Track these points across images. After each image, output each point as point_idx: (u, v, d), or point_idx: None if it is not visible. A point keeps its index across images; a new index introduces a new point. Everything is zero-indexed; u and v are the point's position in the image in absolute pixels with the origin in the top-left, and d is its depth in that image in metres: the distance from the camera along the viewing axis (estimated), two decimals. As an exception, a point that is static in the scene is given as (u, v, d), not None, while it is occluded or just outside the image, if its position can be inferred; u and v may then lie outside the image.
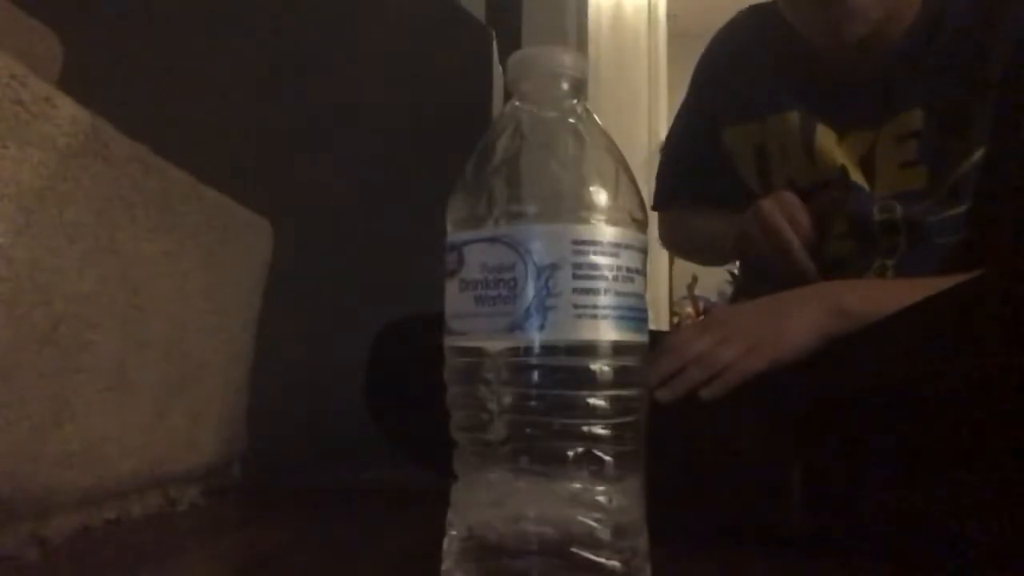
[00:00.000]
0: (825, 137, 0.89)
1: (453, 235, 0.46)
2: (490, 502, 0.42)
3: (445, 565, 0.44)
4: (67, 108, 0.64)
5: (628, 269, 0.42)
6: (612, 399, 0.42)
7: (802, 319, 0.73)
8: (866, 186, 0.86)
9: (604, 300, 0.41)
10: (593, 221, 0.41)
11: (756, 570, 0.65)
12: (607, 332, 0.41)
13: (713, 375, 0.71)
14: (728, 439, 0.70)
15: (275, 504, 0.98)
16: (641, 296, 0.44)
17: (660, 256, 2.74)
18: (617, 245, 0.42)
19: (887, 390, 0.65)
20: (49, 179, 0.62)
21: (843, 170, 0.87)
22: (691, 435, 0.70)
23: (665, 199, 1.12)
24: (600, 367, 0.41)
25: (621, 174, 0.44)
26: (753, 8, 1.03)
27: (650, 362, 0.72)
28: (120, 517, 0.77)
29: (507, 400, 0.41)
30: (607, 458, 0.41)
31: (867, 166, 0.87)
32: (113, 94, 0.88)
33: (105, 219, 0.71)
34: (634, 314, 0.43)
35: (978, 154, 0.82)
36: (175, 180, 0.84)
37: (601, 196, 0.42)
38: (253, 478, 1.07)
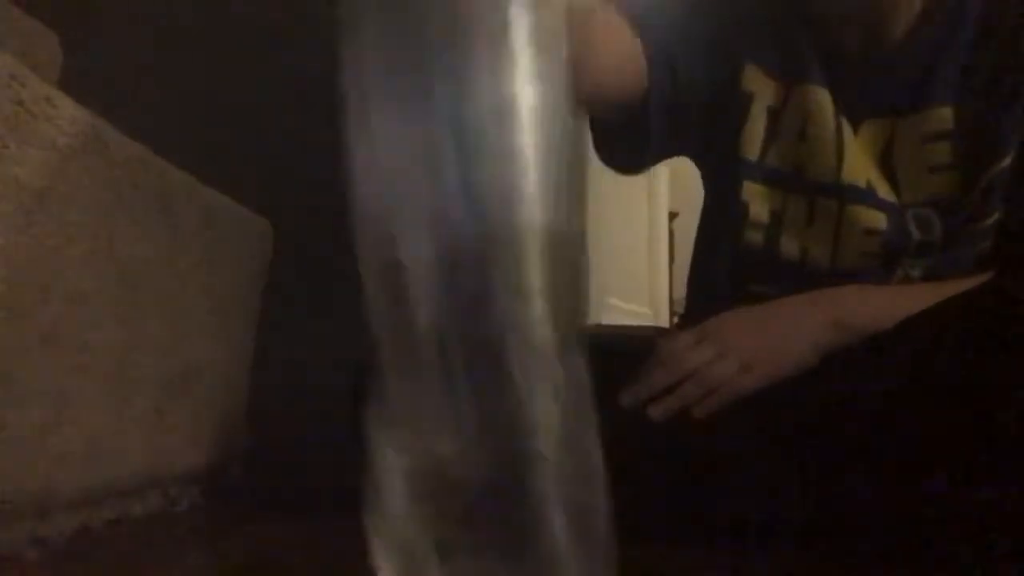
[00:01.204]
0: (844, 131, 0.80)
1: None
2: None
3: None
4: (67, 108, 0.64)
5: None
6: None
7: (801, 335, 0.71)
8: (892, 196, 0.79)
9: None
10: None
11: (756, 570, 0.65)
12: None
13: (707, 392, 0.69)
14: (720, 446, 0.70)
15: (275, 504, 0.98)
16: None
17: (660, 255, 2.74)
18: None
19: (887, 398, 0.65)
20: (49, 179, 0.62)
21: (869, 185, 0.79)
22: (681, 442, 0.69)
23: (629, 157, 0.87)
24: None
25: None
26: None
27: (643, 372, 0.72)
28: (120, 517, 0.77)
29: None
30: None
31: (886, 168, 0.79)
32: (113, 94, 0.88)
33: (105, 219, 0.71)
34: None
35: (1007, 160, 0.77)
36: (175, 180, 0.84)
37: None
38: (253, 478, 1.07)
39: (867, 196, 0.79)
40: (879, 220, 0.78)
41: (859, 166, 0.79)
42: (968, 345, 0.62)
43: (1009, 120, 0.77)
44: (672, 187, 2.75)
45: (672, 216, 2.93)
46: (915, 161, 0.78)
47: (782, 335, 0.71)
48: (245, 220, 1.03)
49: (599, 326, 1.50)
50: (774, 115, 0.82)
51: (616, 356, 0.81)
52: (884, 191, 0.79)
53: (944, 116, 0.77)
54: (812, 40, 0.81)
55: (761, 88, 0.82)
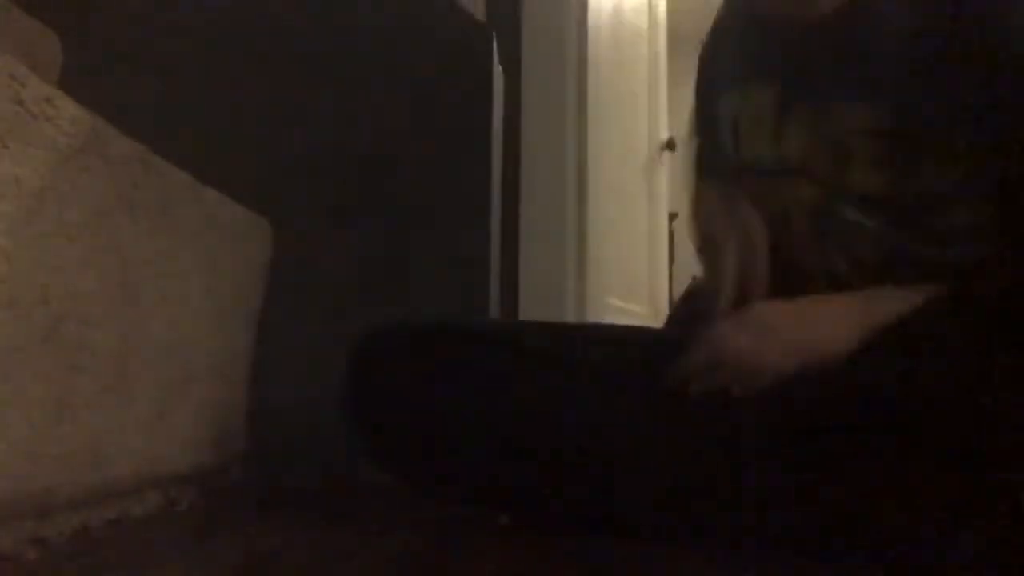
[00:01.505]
0: (798, 120, 0.82)
1: None
2: None
3: None
4: (67, 108, 0.64)
5: None
6: None
7: (840, 329, 0.74)
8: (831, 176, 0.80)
9: None
10: None
11: (756, 570, 0.65)
12: None
13: (748, 374, 0.72)
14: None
15: (275, 504, 0.98)
16: None
17: (660, 255, 2.74)
18: None
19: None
20: (49, 179, 0.62)
21: (805, 164, 0.81)
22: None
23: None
24: None
25: None
26: None
27: (686, 353, 0.74)
28: (120, 517, 0.77)
29: None
30: None
31: (825, 150, 0.80)
32: (113, 94, 0.88)
33: (105, 219, 0.71)
34: None
35: (954, 171, 0.75)
36: (175, 180, 0.84)
37: None
38: (253, 478, 1.07)
39: (801, 173, 0.81)
40: (814, 196, 0.81)
41: (795, 146, 0.82)
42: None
43: (954, 134, 0.74)
44: (672, 187, 2.75)
45: (672, 216, 2.93)
46: (841, 151, 0.79)
47: (824, 328, 0.74)
48: (245, 220, 1.03)
49: (600, 325, 1.50)
50: (735, 123, 0.89)
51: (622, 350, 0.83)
52: (823, 171, 0.80)
53: (863, 114, 0.77)
54: (765, 40, 0.86)
55: (727, 108, 0.90)
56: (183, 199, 0.86)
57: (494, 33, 1.39)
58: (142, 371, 0.78)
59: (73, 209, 0.66)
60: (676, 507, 0.73)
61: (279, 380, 1.11)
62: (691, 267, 1.09)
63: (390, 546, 0.72)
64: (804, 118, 0.81)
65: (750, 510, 0.70)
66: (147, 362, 0.79)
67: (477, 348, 0.84)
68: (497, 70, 1.38)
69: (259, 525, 0.84)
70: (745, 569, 0.65)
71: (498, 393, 0.80)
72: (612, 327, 1.30)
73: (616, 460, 0.76)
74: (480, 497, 0.85)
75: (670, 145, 2.64)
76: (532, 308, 1.64)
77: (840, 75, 0.80)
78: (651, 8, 2.70)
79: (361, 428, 0.86)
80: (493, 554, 0.71)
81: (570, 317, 1.72)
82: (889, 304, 0.76)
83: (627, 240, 2.34)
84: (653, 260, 2.66)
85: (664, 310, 2.73)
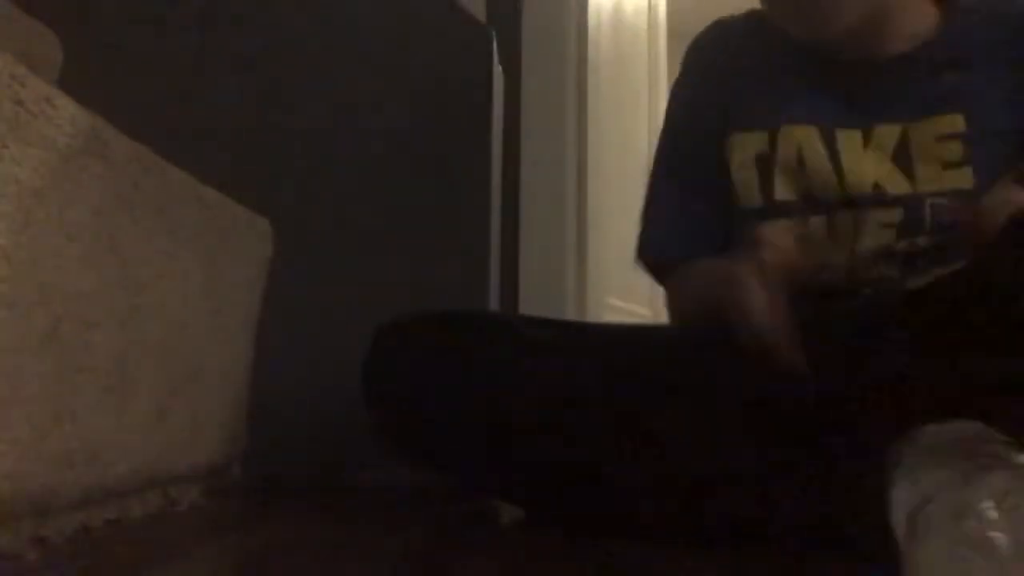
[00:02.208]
0: (850, 144, 0.86)
1: None
2: None
3: None
4: (67, 108, 0.64)
5: None
6: None
7: None
8: (908, 188, 0.84)
9: None
10: None
11: (756, 570, 0.65)
12: None
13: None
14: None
15: (275, 504, 0.98)
16: None
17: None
18: None
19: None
20: (49, 179, 0.62)
21: (876, 187, 0.85)
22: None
23: (656, 249, 0.98)
24: None
25: None
26: (734, 17, 0.99)
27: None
28: (120, 517, 0.77)
29: None
30: None
31: (903, 163, 0.84)
32: (113, 94, 0.88)
33: (105, 219, 0.71)
34: None
35: None
36: (175, 180, 0.84)
37: None
38: (253, 478, 1.07)
39: (876, 198, 0.84)
40: (893, 215, 0.84)
41: (864, 171, 0.85)
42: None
43: None
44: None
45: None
46: (928, 158, 0.84)
47: None
48: (245, 220, 1.03)
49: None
50: (764, 159, 0.89)
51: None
52: (897, 186, 0.84)
53: (955, 121, 0.83)
54: (798, 78, 0.90)
55: (745, 146, 0.91)
56: (183, 199, 0.86)
57: (494, 33, 1.39)
58: (142, 371, 0.79)
59: (73, 209, 0.66)
60: (681, 498, 0.73)
61: (279, 380, 1.11)
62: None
63: (390, 546, 0.72)
64: (884, 141, 0.85)
65: (754, 503, 0.70)
66: (147, 362, 0.79)
67: (487, 335, 0.85)
68: (497, 70, 1.38)
69: (259, 525, 0.84)
70: (745, 569, 0.65)
71: (506, 377, 0.81)
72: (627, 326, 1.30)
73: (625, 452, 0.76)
74: (495, 481, 0.86)
75: (670, 145, 2.63)
76: (532, 308, 1.64)
77: (931, 93, 0.85)
78: (651, 8, 2.70)
79: (381, 414, 0.87)
80: (493, 553, 0.71)
81: (570, 317, 1.72)
82: None
83: (627, 240, 2.34)
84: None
85: (664, 310, 2.72)
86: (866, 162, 0.86)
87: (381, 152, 1.29)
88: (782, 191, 0.88)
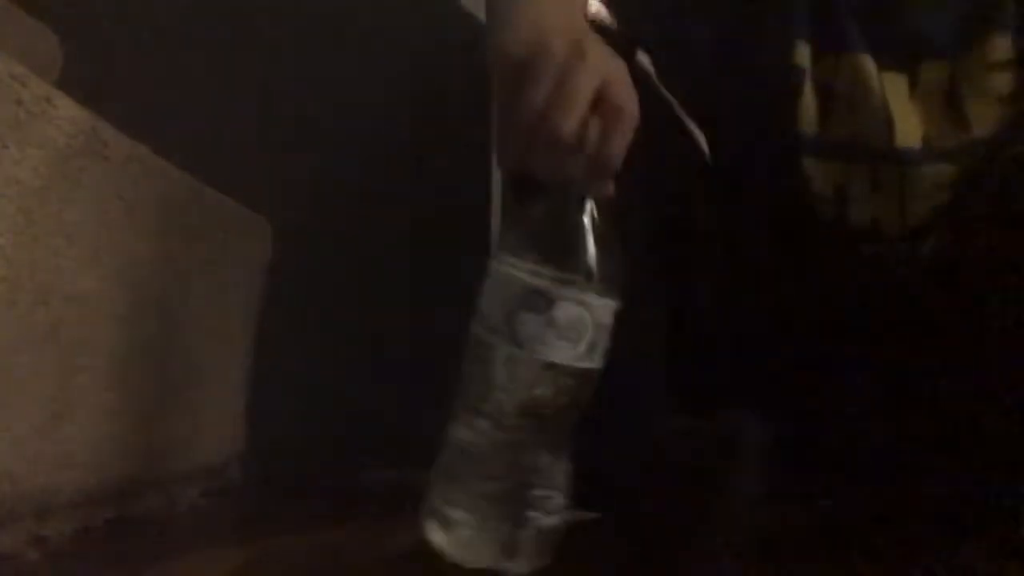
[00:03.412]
0: (895, 89, 0.77)
1: None
2: None
3: None
4: (67, 108, 0.64)
5: None
6: None
7: None
8: (960, 137, 0.76)
9: None
10: None
11: (756, 570, 0.65)
12: None
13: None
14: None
15: (275, 504, 0.98)
16: None
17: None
18: None
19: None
20: (49, 179, 0.62)
21: (925, 141, 0.76)
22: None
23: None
24: None
25: None
26: None
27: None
28: (120, 517, 0.77)
29: None
30: None
31: (955, 107, 0.76)
32: (113, 94, 0.88)
33: (105, 219, 0.71)
34: None
35: None
36: (175, 180, 0.84)
37: None
38: (253, 478, 1.06)
39: (924, 155, 0.76)
40: (945, 173, 0.76)
41: (913, 126, 0.77)
42: None
43: None
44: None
45: (672, 216, 2.93)
46: (981, 93, 0.76)
47: None
48: (245, 220, 1.03)
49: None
50: (826, 89, 0.78)
51: None
52: (948, 139, 0.77)
53: (1003, 45, 0.76)
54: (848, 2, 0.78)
55: (810, 63, 0.78)
56: (183, 199, 0.86)
57: (494, 33, 1.39)
58: (142, 371, 0.78)
59: (73, 209, 0.66)
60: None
61: (279, 380, 1.11)
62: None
63: (390, 546, 0.72)
64: (931, 85, 0.77)
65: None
66: (147, 362, 0.79)
67: None
68: (497, 70, 1.38)
69: (259, 525, 0.84)
70: (746, 570, 0.65)
71: None
72: None
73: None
74: None
75: (670, 145, 2.63)
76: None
77: (958, 24, 0.76)
78: (651, 8, 2.70)
79: None
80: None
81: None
82: None
83: (627, 240, 2.34)
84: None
85: (664, 310, 2.72)
86: (914, 114, 0.77)
87: (381, 152, 1.29)
88: (834, 128, 0.78)
